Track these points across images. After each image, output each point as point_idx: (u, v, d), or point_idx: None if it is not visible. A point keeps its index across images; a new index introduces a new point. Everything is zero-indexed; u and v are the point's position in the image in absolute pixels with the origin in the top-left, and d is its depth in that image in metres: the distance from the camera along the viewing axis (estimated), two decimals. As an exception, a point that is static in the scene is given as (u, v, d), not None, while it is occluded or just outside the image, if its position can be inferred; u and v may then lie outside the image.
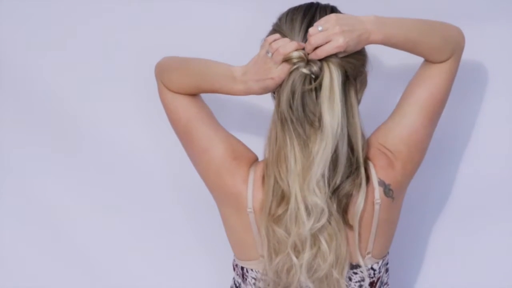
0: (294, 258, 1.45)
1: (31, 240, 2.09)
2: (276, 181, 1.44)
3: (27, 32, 1.98)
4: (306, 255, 1.44)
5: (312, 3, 1.50)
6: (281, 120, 1.42)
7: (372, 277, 1.55)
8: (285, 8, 1.51)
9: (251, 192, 1.50)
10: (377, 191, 1.49)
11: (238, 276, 1.60)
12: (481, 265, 1.96)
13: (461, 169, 1.94)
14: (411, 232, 1.97)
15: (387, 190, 1.49)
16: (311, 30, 1.40)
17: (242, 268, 1.58)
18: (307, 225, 1.42)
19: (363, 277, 1.52)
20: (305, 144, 1.42)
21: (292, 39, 1.44)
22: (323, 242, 1.44)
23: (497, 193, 1.92)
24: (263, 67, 1.42)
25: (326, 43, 1.39)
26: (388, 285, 1.63)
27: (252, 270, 1.55)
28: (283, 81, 1.42)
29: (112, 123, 2.01)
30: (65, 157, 2.04)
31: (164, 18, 1.94)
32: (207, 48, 1.84)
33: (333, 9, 1.49)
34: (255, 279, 1.55)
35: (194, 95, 1.60)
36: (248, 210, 1.50)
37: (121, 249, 2.08)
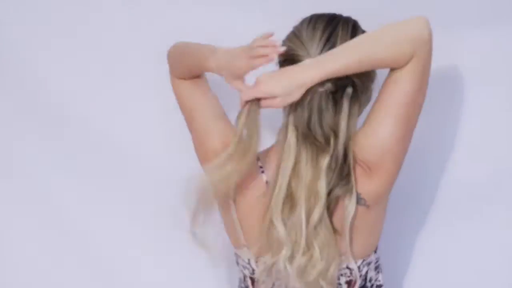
0: (287, 264, 1.47)
1: (31, 238, 2.09)
2: (288, 188, 1.48)
3: (27, 32, 1.99)
4: (299, 260, 1.47)
5: (335, 15, 1.50)
6: (302, 136, 1.46)
7: (349, 276, 1.56)
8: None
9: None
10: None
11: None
12: (476, 266, 1.95)
13: (455, 170, 1.92)
14: (406, 232, 1.98)
15: (359, 199, 1.49)
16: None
17: (236, 254, 1.63)
18: (304, 233, 1.45)
19: (338, 276, 1.54)
20: (317, 159, 1.46)
21: (310, 46, 1.45)
22: (317, 249, 1.47)
23: (493, 193, 1.92)
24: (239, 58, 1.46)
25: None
26: (382, 285, 1.64)
27: (240, 257, 1.60)
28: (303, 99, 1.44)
29: (118, 123, 2.02)
30: (66, 157, 2.05)
31: (166, 19, 1.95)
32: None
33: (355, 24, 1.50)
34: (242, 266, 1.60)
35: (198, 82, 1.64)
36: (231, 201, 1.54)
37: (124, 248, 2.09)
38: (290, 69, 1.43)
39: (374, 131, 1.47)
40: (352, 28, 1.49)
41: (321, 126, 1.45)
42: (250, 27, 1.79)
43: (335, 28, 1.47)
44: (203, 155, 1.60)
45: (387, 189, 1.52)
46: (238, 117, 1.46)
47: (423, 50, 1.42)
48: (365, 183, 1.49)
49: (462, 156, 1.92)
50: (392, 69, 1.45)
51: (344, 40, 1.45)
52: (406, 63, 1.42)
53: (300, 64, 1.43)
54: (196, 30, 1.89)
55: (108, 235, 2.07)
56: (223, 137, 1.58)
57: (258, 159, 1.56)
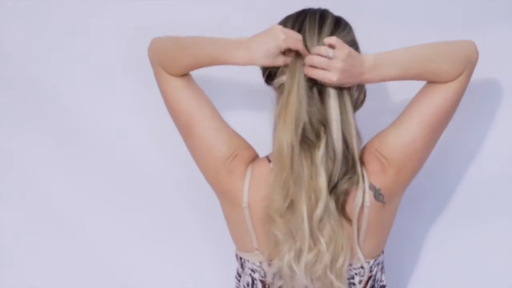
0: (295, 263, 1.46)
1: (32, 237, 2.06)
2: (287, 188, 1.46)
3: (27, 31, 1.97)
4: (306, 257, 1.45)
5: (303, 11, 1.50)
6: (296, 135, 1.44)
7: (363, 275, 1.55)
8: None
9: (247, 188, 1.51)
10: (367, 195, 1.49)
11: (238, 265, 1.62)
12: (479, 265, 1.94)
13: (459, 169, 1.92)
14: (411, 232, 1.96)
15: (377, 195, 1.49)
16: (322, 49, 1.41)
17: (241, 258, 1.60)
18: (307, 231, 1.44)
19: (352, 275, 1.54)
20: (311, 156, 1.45)
21: None
22: (323, 243, 1.45)
23: (496, 193, 1.90)
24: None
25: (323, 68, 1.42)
26: (385, 285, 1.63)
27: (248, 261, 1.58)
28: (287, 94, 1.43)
29: (118, 123, 1.99)
30: (66, 157, 2.02)
31: (164, 17, 1.92)
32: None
33: (322, 13, 1.49)
34: (251, 269, 1.58)
35: (189, 83, 1.56)
36: (243, 205, 1.51)
37: (123, 247, 2.05)
38: (358, 62, 1.42)
39: (399, 132, 1.49)
40: (320, 18, 1.47)
41: (311, 123, 1.43)
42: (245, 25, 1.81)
43: (302, 23, 1.46)
44: (207, 162, 1.56)
45: (402, 186, 1.53)
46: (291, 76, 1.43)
47: (470, 70, 1.49)
48: (380, 178, 1.49)
49: (463, 156, 1.91)
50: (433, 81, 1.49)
51: (313, 32, 1.45)
52: (452, 80, 1.47)
53: (365, 60, 1.43)
54: (199, 29, 1.90)
55: (107, 234, 2.05)
56: (231, 144, 1.54)
57: (269, 161, 1.54)
